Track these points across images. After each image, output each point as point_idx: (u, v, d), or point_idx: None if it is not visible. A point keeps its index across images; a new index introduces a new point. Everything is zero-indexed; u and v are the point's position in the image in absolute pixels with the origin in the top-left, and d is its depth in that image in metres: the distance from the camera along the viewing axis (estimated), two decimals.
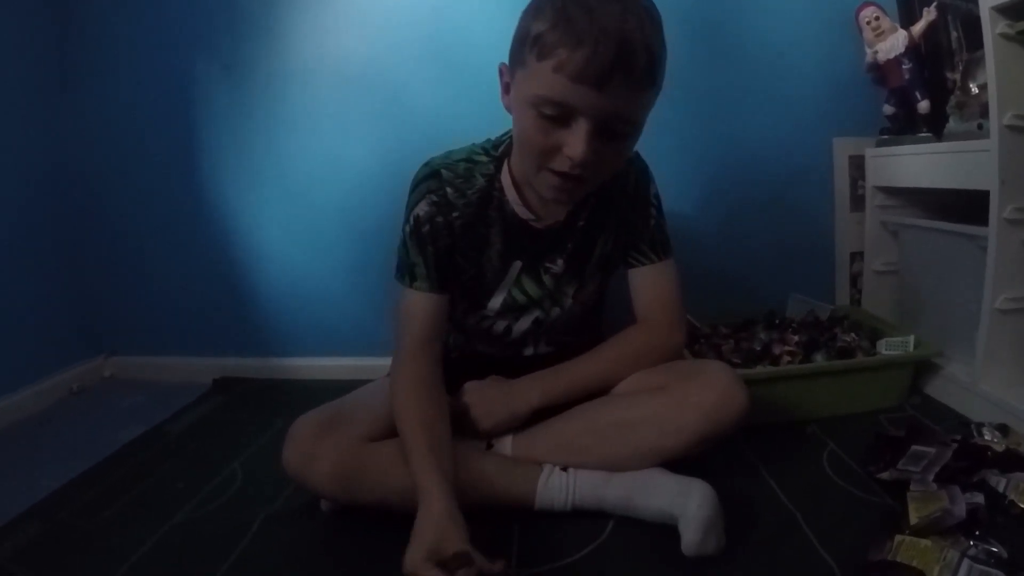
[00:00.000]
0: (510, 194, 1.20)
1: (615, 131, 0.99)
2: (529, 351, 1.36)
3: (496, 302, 1.27)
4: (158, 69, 1.97)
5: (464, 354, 1.39)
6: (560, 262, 1.25)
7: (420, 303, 1.19)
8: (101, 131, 2.03)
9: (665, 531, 1.02)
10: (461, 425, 1.16)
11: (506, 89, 1.08)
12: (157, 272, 2.08)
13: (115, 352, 2.18)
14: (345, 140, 1.86)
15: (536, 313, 1.29)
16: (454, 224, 1.19)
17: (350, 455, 1.08)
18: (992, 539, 0.90)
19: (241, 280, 2.03)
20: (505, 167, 1.21)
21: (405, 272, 1.20)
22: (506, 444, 1.18)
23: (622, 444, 1.10)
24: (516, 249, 1.23)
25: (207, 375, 2.01)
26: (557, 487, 1.10)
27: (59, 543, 1.18)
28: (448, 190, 1.19)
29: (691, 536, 0.97)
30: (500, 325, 1.31)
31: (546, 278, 1.26)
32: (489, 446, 1.19)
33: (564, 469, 1.12)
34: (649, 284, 1.26)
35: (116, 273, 2.11)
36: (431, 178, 1.20)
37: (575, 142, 0.97)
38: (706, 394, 1.09)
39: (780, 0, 1.74)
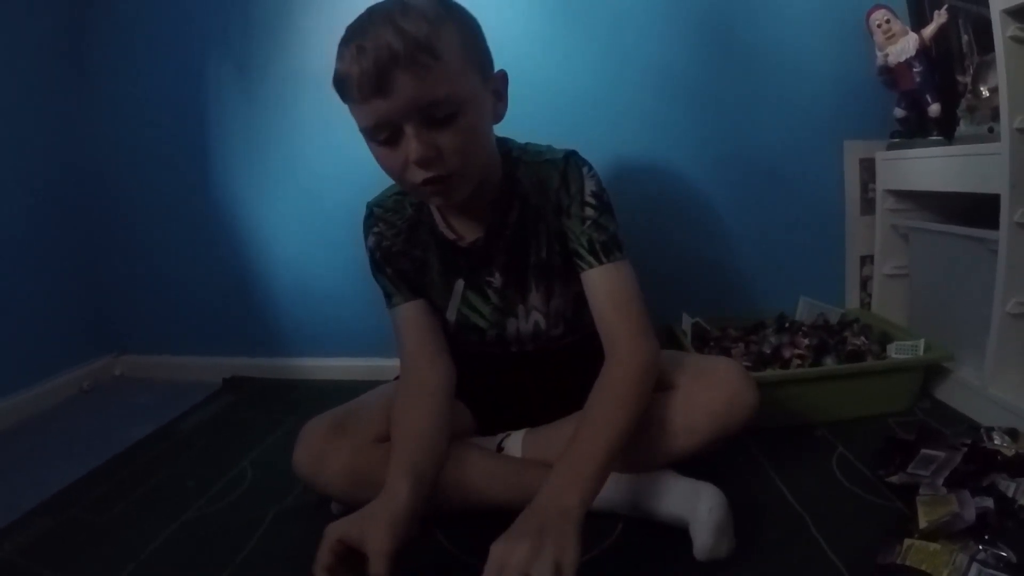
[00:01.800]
0: (436, 217, 1.23)
1: (437, 118, 0.99)
2: (514, 348, 1.33)
3: (451, 322, 1.28)
4: (172, 69, 1.99)
5: (463, 353, 1.37)
6: (498, 275, 1.25)
7: (402, 315, 1.24)
8: (114, 131, 2.05)
9: (675, 533, 1.02)
10: None
11: None
12: (168, 271, 2.10)
13: (126, 351, 2.20)
14: (357, 141, 1.84)
15: (494, 331, 1.28)
16: (395, 247, 1.25)
17: (360, 457, 1.09)
18: (1001, 543, 0.89)
19: (252, 280, 2.04)
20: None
21: (385, 298, 1.26)
22: (516, 446, 1.19)
23: (632, 446, 1.07)
24: (453, 269, 1.25)
25: (217, 374, 2.02)
26: None
27: (70, 539, 1.19)
28: (381, 225, 1.26)
29: (703, 540, 0.97)
30: (470, 336, 1.30)
31: (490, 292, 1.26)
32: (500, 448, 1.20)
33: None
34: (596, 288, 1.17)
35: (127, 272, 2.13)
36: (368, 218, 1.29)
37: (409, 147, 0.99)
38: (716, 393, 1.09)
39: (791, 4, 1.73)
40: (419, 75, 0.95)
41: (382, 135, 1.01)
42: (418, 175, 1.02)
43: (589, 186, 1.19)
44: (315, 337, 2.04)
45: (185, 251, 2.07)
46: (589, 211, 1.17)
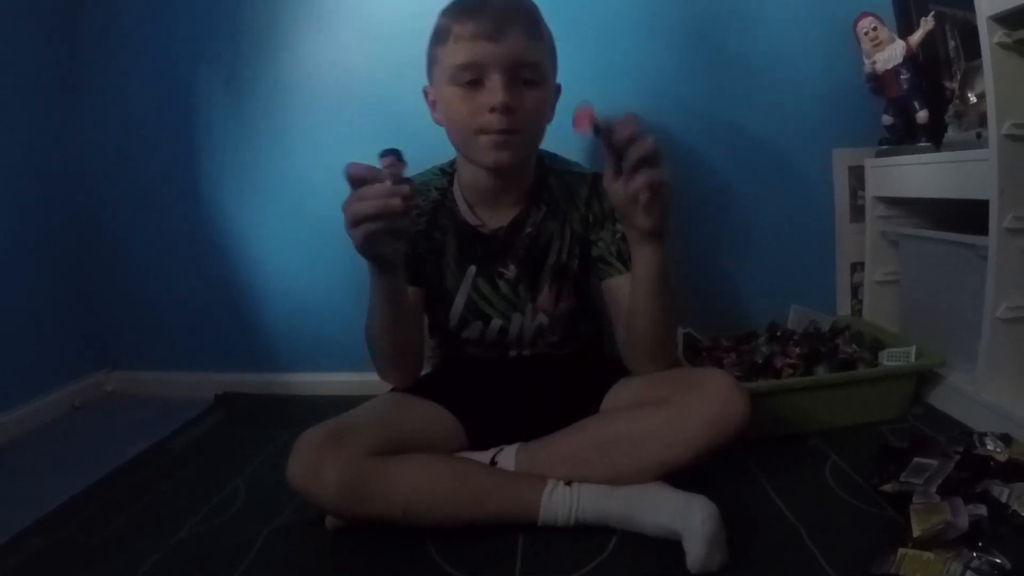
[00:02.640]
0: (460, 203, 1.34)
1: (525, 78, 1.18)
2: (513, 352, 1.40)
3: (458, 307, 1.35)
4: (161, 82, 1.98)
5: (457, 359, 1.44)
6: (512, 267, 1.34)
7: None
8: (103, 144, 2.04)
9: (668, 546, 1.02)
10: None
11: (433, 106, 1.29)
12: (159, 287, 2.09)
13: (117, 367, 2.18)
14: (347, 154, 1.83)
15: (499, 321, 1.36)
16: (412, 229, 1.28)
17: (355, 468, 1.08)
18: (995, 550, 0.89)
19: (243, 295, 2.03)
20: (456, 180, 1.36)
21: None
22: (510, 460, 1.19)
23: (626, 457, 1.10)
24: (469, 254, 1.34)
25: (209, 390, 2.01)
26: (560, 502, 1.10)
27: (62, 559, 1.17)
28: None
29: (696, 552, 0.96)
30: (473, 330, 1.38)
31: (501, 283, 1.34)
32: (493, 462, 1.19)
33: (568, 484, 1.12)
34: (621, 291, 1.26)
35: (118, 288, 2.12)
36: None
37: (494, 91, 1.14)
38: (708, 405, 1.09)
39: (778, 12, 1.75)
40: (528, 38, 1.16)
41: (468, 76, 1.16)
42: (492, 122, 1.16)
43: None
44: (307, 352, 2.02)
45: (175, 266, 2.06)
46: (619, 225, 1.30)
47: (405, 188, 0.97)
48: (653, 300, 1.15)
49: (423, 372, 1.41)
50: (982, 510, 0.97)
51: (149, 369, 2.15)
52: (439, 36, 1.21)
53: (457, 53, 1.16)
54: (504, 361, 1.40)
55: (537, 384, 1.35)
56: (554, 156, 1.41)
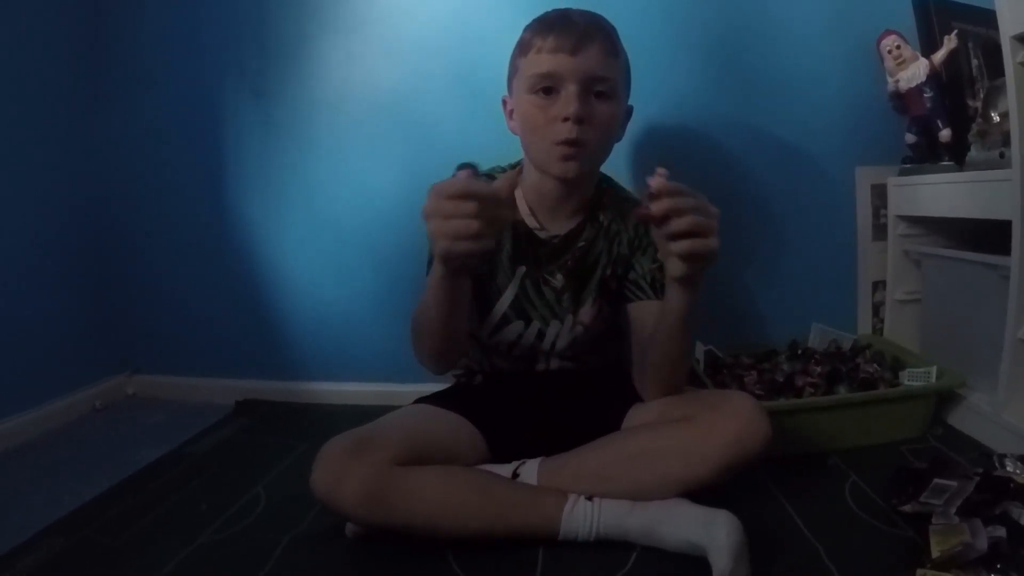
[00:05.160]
0: (521, 205, 1.35)
1: (598, 91, 1.21)
2: (541, 366, 1.42)
3: (505, 302, 1.36)
4: (188, 93, 2.01)
5: (485, 374, 1.46)
6: (559, 277, 1.36)
7: None
8: (130, 153, 2.07)
9: (688, 561, 1.02)
10: None
11: (510, 115, 1.33)
12: (182, 292, 2.11)
13: (138, 370, 2.20)
14: (372, 167, 1.89)
15: (538, 324, 1.37)
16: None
17: (378, 478, 1.09)
18: (1013, 572, 0.89)
19: (265, 303, 2.05)
20: (522, 183, 1.37)
21: (429, 263, 1.22)
22: (532, 473, 1.19)
23: (648, 473, 1.11)
24: (521, 255, 1.35)
25: (229, 396, 2.03)
26: (582, 517, 1.11)
27: (82, 560, 1.19)
28: None
29: (723, 565, 0.97)
30: (511, 332, 1.38)
31: (546, 290, 1.36)
32: (515, 475, 1.20)
33: (589, 499, 1.13)
34: (647, 316, 1.27)
35: (142, 292, 2.14)
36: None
37: (568, 101, 1.18)
38: (730, 424, 1.10)
39: (802, 31, 1.75)
40: (604, 56, 1.21)
41: (545, 84, 1.21)
42: (563, 132, 1.19)
43: None
44: (328, 361, 2.04)
45: (199, 273, 2.08)
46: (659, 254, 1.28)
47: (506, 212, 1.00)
48: (672, 337, 1.16)
49: (448, 385, 1.43)
50: (1001, 532, 0.97)
51: (170, 374, 2.17)
52: (522, 48, 1.26)
53: (537, 64, 1.21)
54: (530, 374, 1.41)
55: (560, 399, 1.36)
56: (610, 179, 1.44)
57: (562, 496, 1.13)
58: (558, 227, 1.36)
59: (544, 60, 1.20)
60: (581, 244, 1.36)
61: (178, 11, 1.99)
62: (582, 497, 1.13)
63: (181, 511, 1.36)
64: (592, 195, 1.38)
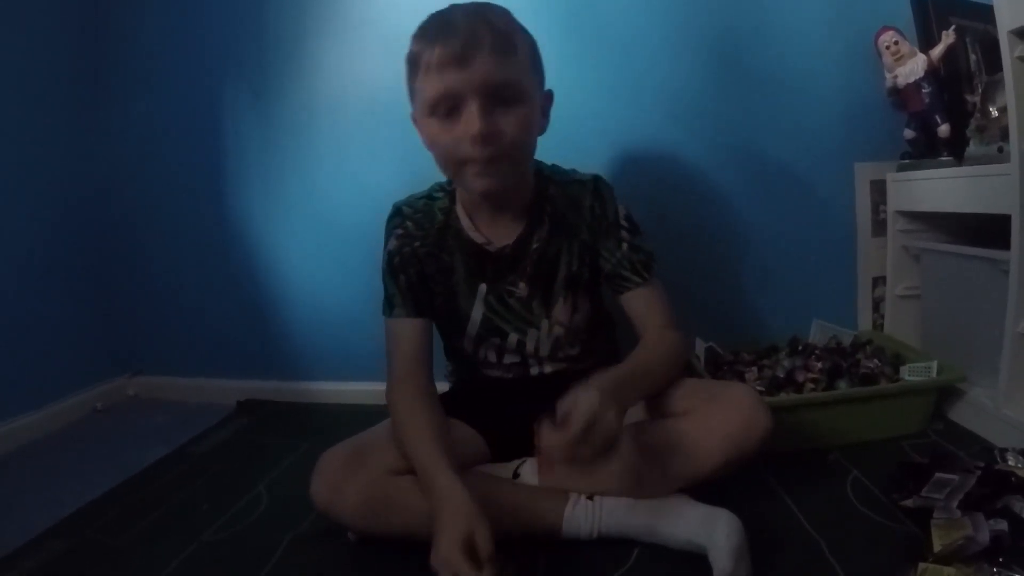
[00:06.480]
0: (464, 221, 1.30)
1: (501, 98, 1.11)
2: (534, 370, 1.38)
3: (475, 323, 1.33)
4: (189, 94, 2.01)
5: (475, 380, 1.43)
6: (522, 285, 1.31)
7: (401, 329, 1.28)
8: (129, 156, 2.08)
9: (690, 559, 1.02)
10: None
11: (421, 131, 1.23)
12: (183, 293, 2.12)
13: (140, 371, 2.21)
14: (372, 167, 1.89)
15: (516, 335, 1.34)
16: (419, 253, 1.30)
17: (377, 488, 1.09)
18: (1016, 566, 0.89)
19: (266, 303, 2.05)
20: (459, 198, 1.32)
21: (385, 305, 1.30)
22: (533, 471, 1.20)
23: (647, 470, 1.10)
24: (477, 273, 1.31)
25: (230, 397, 2.03)
26: (583, 515, 1.11)
27: (84, 560, 1.19)
28: (409, 224, 1.31)
29: (723, 565, 0.96)
30: (488, 349, 1.36)
31: (512, 302, 1.32)
32: (516, 475, 1.20)
33: (590, 497, 1.13)
34: (644, 306, 1.29)
35: (142, 293, 2.15)
36: (395, 216, 1.33)
37: (470, 120, 1.09)
38: (730, 417, 1.10)
39: (800, 26, 1.75)
40: (498, 58, 1.09)
41: (444, 106, 1.12)
42: (472, 152, 1.11)
43: (621, 210, 1.32)
44: (329, 361, 2.04)
45: (200, 273, 2.09)
46: (625, 234, 1.31)
47: None
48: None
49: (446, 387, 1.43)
50: (1003, 525, 0.96)
51: (171, 374, 2.18)
52: (411, 66, 1.16)
53: (429, 85, 1.12)
54: (526, 379, 1.39)
55: (559, 397, 1.32)
56: (552, 167, 1.37)
57: (563, 496, 1.13)
58: (505, 236, 1.30)
59: (434, 81, 1.10)
60: (536, 246, 1.30)
61: (178, 11, 1.99)
62: (583, 496, 1.13)
63: (182, 511, 1.36)
64: (534, 192, 1.31)
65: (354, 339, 1.95)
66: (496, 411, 1.31)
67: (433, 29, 1.12)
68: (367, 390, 1.92)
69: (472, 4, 1.15)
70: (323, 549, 1.18)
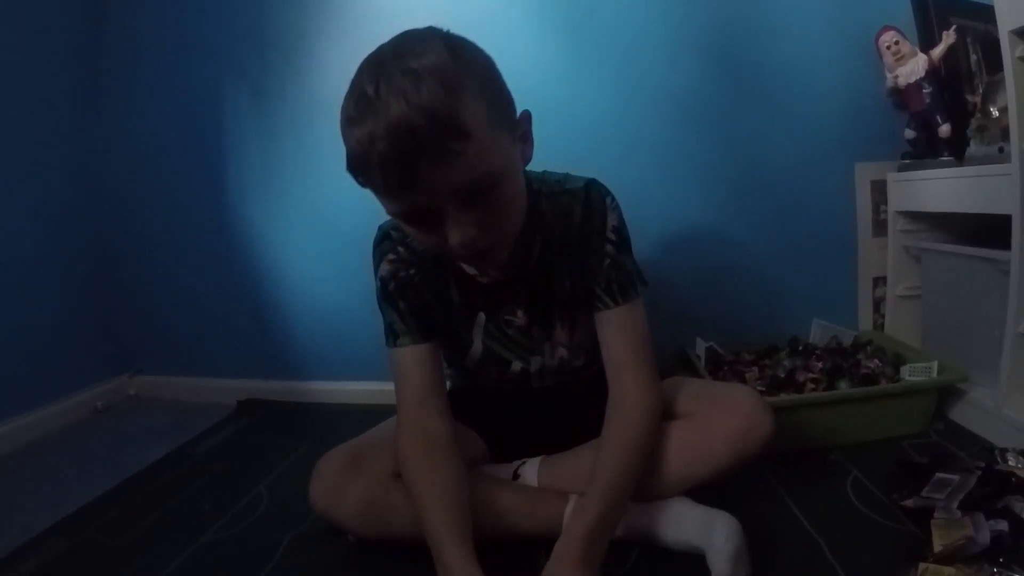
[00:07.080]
0: None
1: (471, 192, 0.87)
2: (537, 384, 1.31)
3: (476, 351, 1.25)
4: (187, 95, 2.02)
5: (475, 385, 1.38)
6: (520, 314, 1.22)
7: (408, 358, 1.16)
8: (130, 155, 2.08)
9: (689, 560, 1.02)
10: None
11: None
12: (183, 293, 2.12)
13: (140, 371, 2.21)
14: None
15: (519, 363, 1.26)
16: (414, 279, 1.17)
17: (376, 492, 1.09)
18: (1016, 566, 0.89)
19: (266, 303, 2.06)
20: None
21: (388, 334, 1.18)
22: (532, 474, 1.19)
23: (649, 473, 1.09)
24: (474, 303, 1.21)
25: (230, 396, 2.04)
26: None
27: (84, 560, 1.20)
28: (401, 249, 1.18)
29: (721, 568, 0.96)
30: (493, 370, 1.28)
31: (512, 331, 1.23)
32: (516, 475, 1.20)
33: None
34: (612, 332, 1.15)
35: (143, 294, 2.16)
36: (383, 240, 1.20)
37: (451, 233, 0.90)
38: (732, 421, 1.09)
39: (800, 28, 1.75)
40: (449, 163, 0.82)
41: (412, 219, 0.92)
42: (458, 254, 0.94)
43: (611, 220, 1.16)
44: (329, 361, 2.05)
45: (200, 274, 2.09)
46: (609, 248, 1.15)
47: None
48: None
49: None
50: (1003, 526, 0.97)
51: (172, 374, 2.18)
52: (356, 176, 0.88)
53: (385, 204, 0.92)
54: (528, 390, 1.32)
55: (560, 402, 1.31)
56: (542, 177, 1.19)
57: (562, 498, 1.13)
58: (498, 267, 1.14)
59: (388, 203, 0.90)
60: (531, 271, 1.17)
61: (178, 12, 2.00)
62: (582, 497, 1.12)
63: (183, 511, 1.37)
64: (525, 214, 1.06)
65: (353, 339, 1.95)
66: (496, 412, 1.31)
67: (359, 129, 0.82)
68: (367, 390, 1.93)
69: (393, 72, 0.82)
70: (323, 549, 1.18)
